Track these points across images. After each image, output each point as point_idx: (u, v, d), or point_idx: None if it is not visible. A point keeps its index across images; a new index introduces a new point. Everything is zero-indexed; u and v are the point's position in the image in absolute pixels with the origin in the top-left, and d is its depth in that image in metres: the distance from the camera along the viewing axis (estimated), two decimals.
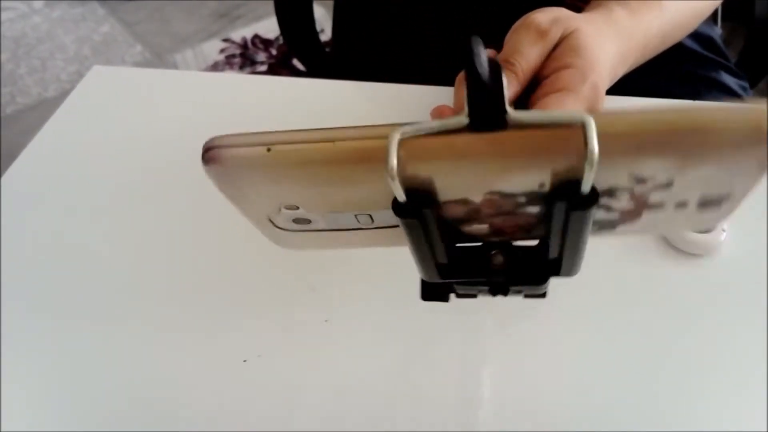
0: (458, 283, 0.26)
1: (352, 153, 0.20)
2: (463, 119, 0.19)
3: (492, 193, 0.21)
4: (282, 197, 0.22)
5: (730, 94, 0.64)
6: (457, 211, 0.22)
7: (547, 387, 0.35)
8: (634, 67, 0.45)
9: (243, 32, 1.95)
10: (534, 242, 0.25)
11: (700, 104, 0.20)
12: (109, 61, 1.86)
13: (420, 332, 0.37)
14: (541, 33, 0.36)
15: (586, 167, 0.18)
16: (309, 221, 0.24)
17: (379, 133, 0.19)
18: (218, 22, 2.00)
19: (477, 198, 0.21)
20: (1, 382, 0.35)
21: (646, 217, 0.23)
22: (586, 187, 0.19)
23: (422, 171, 0.19)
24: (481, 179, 0.21)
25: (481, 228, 0.24)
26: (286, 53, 1.86)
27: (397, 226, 0.22)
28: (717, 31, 0.72)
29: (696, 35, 0.67)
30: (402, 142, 0.18)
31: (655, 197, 0.22)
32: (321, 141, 0.20)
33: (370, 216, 0.23)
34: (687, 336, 0.37)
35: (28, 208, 0.46)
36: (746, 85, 0.67)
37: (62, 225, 0.44)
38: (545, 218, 0.22)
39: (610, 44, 0.39)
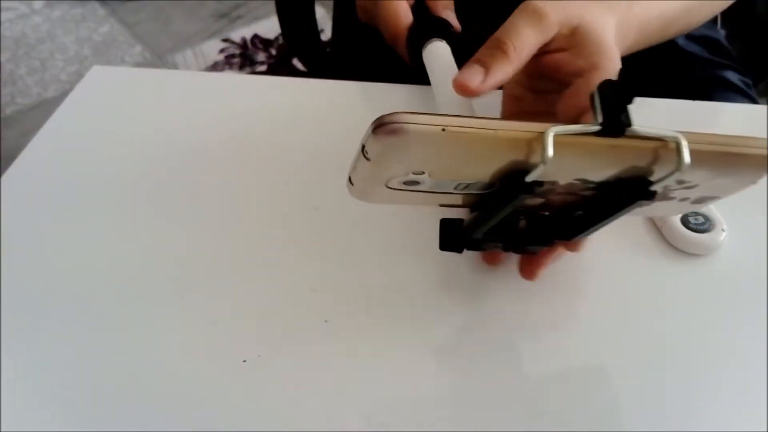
0: (485, 240, 0.33)
1: (509, 141, 0.24)
2: (596, 126, 0.25)
3: (578, 179, 0.27)
4: (420, 165, 0.26)
5: (735, 91, 0.65)
6: (542, 189, 0.27)
7: (547, 386, 0.35)
8: (633, 50, 0.45)
9: (243, 32, 1.95)
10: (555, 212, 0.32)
11: (744, 138, 0.27)
12: (109, 62, 1.86)
13: (420, 332, 0.37)
14: (539, 15, 0.36)
15: (676, 173, 0.25)
16: (418, 183, 0.27)
17: (535, 128, 0.24)
18: (218, 22, 2.00)
19: (563, 181, 0.27)
20: (1, 382, 0.35)
21: (656, 204, 0.29)
22: (659, 186, 0.26)
23: (555, 159, 0.24)
24: (580, 169, 0.26)
25: (538, 201, 0.30)
26: (285, 53, 1.86)
27: (479, 193, 0.28)
28: (721, 33, 0.72)
29: (701, 39, 0.67)
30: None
31: (675, 193, 0.28)
32: (486, 128, 0.24)
33: (468, 185, 0.28)
34: (687, 336, 0.37)
35: (28, 208, 0.46)
36: (749, 81, 0.67)
37: (62, 225, 0.44)
38: (591, 200, 0.29)
39: (610, 26, 0.39)
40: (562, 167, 0.26)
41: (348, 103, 0.54)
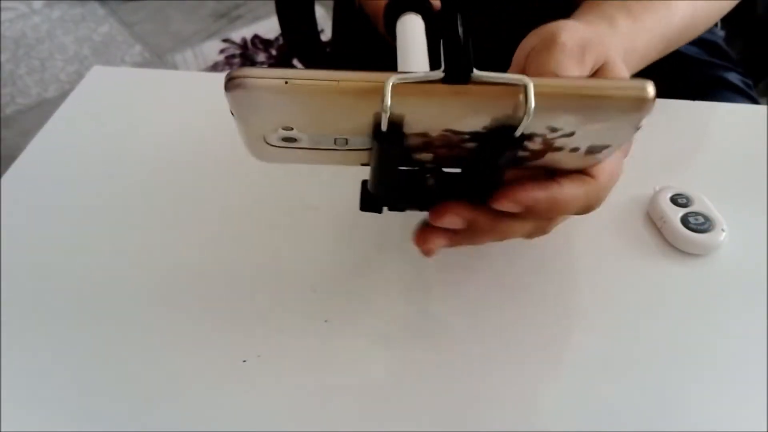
0: (397, 199, 0.33)
1: (352, 91, 0.25)
2: (439, 74, 0.25)
3: (446, 130, 0.27)
4: (282, 120, 0.26)
5: (735, 91, 0.64)
6: (416, 142, 0.28)
7: (546, 386, 0.35)
8: (631, 73, 0.44)
9: (243, 32, 1.95)
10: (459, 170, 0.32)
11: (604, 80, 0.27)
12: (109, 62, 1.86)
13: (420, 332, 0.37)
14: (580, 62, 0.34)
15: (525, 117, 0.25)
16: (296, 140, 0.28)
17: (376, 78, 0.24)
18: (218, 22, 2.00)
19: (434, 133, 0.27)
20: (1, 382, 0.35)
21: (548, 156, 0.30)
22: (518, 131, 0.26)
23: (401, 108, 0.25)
24: (442, 119, 0.26)
25: (427, 156, 0.30)
26: (285, 53, 1.86)
27: (364, 149, 0.28)
28: (720, 35, 0.72)
29: (700, 42, 0.67)
30: (393, 86, 0.24)
31: (558, 143, 0.28)
32: (328, 80, 0.24)
33: (346, 140, 0.28)
34: (687, 336, 0.37)
35: (28, 208, 0.46)
36: (750, 82, 0.67)
37: (62, 225, 0.44)
38: (477, 152, 0.29)
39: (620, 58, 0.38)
40: (421, 118, 0.26)
41: None
